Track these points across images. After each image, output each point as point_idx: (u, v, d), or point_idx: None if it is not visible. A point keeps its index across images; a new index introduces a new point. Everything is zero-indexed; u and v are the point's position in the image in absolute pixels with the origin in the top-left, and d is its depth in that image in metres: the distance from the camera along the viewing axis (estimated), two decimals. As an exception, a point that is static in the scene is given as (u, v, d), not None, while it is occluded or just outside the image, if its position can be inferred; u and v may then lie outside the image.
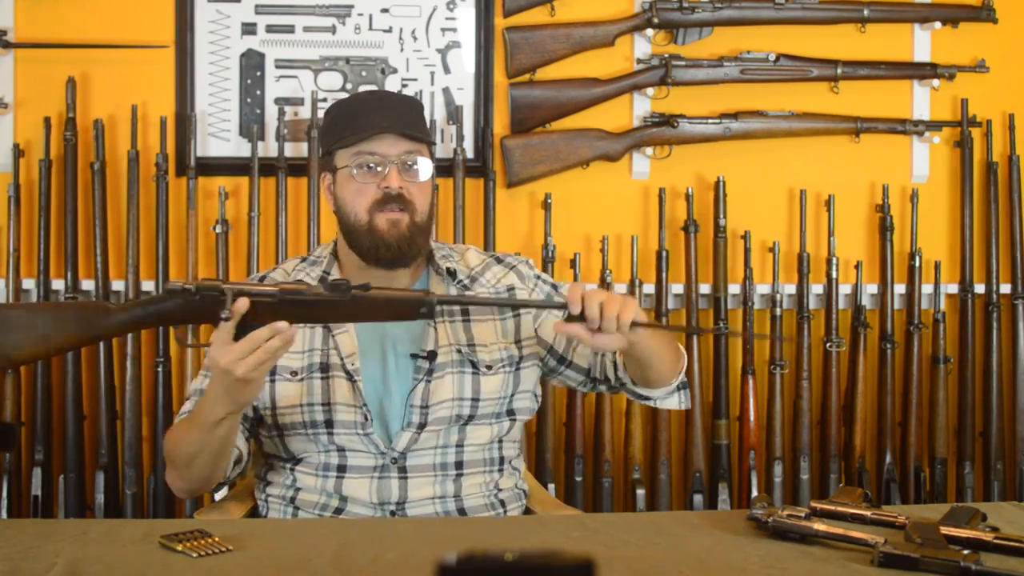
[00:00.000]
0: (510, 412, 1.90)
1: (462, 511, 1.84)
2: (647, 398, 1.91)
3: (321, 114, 2.75)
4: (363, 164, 1.85)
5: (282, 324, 1.59)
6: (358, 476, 1.82)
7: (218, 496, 2.09)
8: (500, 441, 1.90)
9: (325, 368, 1.84)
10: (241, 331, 1.60)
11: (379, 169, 1.85)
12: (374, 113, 1.87)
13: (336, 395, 1.82)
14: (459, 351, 1.86)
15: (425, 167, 1.88)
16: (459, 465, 1.85)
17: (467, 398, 1.85)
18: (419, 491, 1.82)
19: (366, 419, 1.81)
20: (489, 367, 1.87)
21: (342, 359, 1.84)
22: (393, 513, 1.81)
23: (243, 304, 1.59)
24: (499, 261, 2.02)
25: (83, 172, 2.76)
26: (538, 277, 2.01)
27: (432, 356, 1.84)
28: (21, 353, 1.66)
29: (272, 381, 1.86)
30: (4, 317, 1.63)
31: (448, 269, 1.94)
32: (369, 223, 1.84)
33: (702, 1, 2.86)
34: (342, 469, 1.83)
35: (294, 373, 1.85)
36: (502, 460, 1.91)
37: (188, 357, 2.72)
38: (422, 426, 1.83)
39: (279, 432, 1.86)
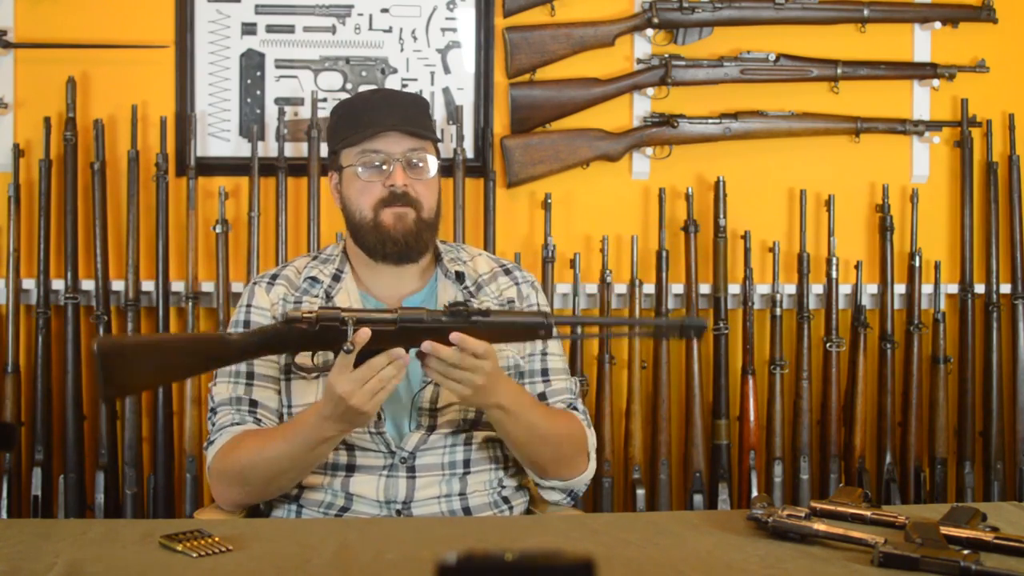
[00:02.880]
0: None
1: (467, 510, 1.85)
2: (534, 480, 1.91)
3: (321, 114, 2.76)
4: (368, 162, 1.85)
5: (399, 351, 1.61)
6: (366, 475, 1.82)
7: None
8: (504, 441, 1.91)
9: None
10: (360, 356, 1.61)
11: (384, 167, 1.85)
12: (378, 111, 1.88)
13: None
14: None
15: (431, 164, 1.88)
16: (466, 463, 1.86)
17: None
18: (426, 490, 1.83)
19: (379, 417, 1.82)
20: None
21: None
22: (399, 512, 1.81)
23: (364, 336, 1.60)
24: (507, 272, 2.01)
25: (83, 172, 2.76)
26: (538, 308, 2.00)
27: None
28: (137, 384, 1.66)
29: (288, 380, 1.86)
30: (121, 350, 1.62)
31: (456, 272, 1.94)
32: (374, 219, 1.85)
33: (702, 1, 2.86)
34: (351, 468, 1.83)
35: (309, 371, 1.85)
36: (507, 458, 1.91)
37: (188, 357, 2.72)
38: (432, 428, 1.83)
39: None
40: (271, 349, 1.70)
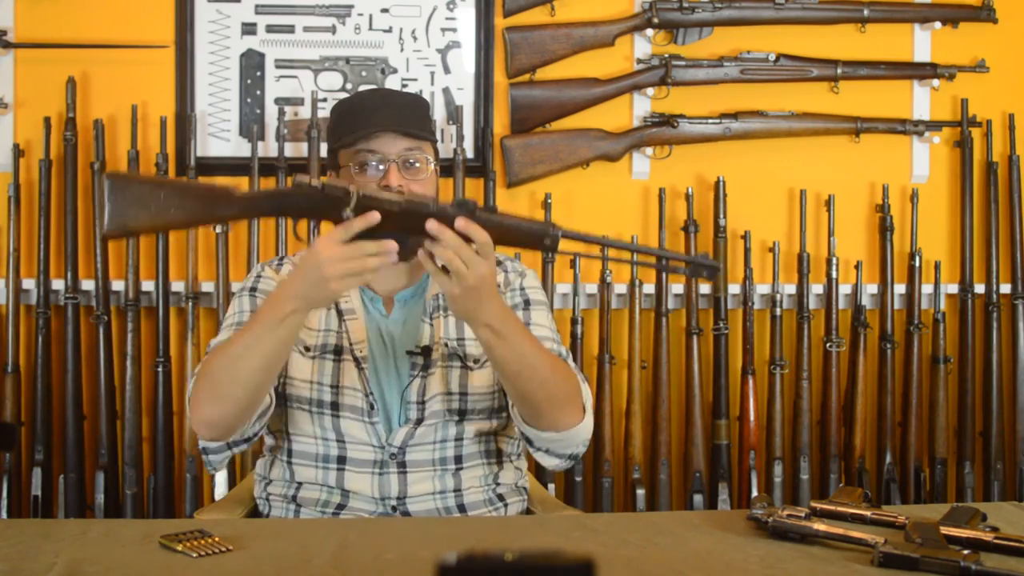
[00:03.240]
0: (501, 408, 1.89)
1: (462, 507, 1.85)
2: (528, 439, 1.84)
3: (321, 114, 2.76)
4: (363, 162, 1.85)
5: (391, 245, 1.57)
6: (358, 470, 1.82)
7: (218, 495, 2.09)
8: (496, 435, 1.91)
9: (338, 351, 1.85)
10: (367, 236, 1.58)
11: (380, 167, 1.85)
12: (374, 111, 1.88)
13: (345, 379, 1.83)
14: (447, 344, 1.86)
15: (427, 164, 1.88)
16: (458, 459, 1.86)
17: (455, 392, 1.85)
18: (419, 486, 1.83)
19: (372, 407, 1.82)
20: (476, 361, 1.87)
21: (351, 344, 1.84)
22: (394, 508, 1.81)
23: (373, 218, 1.57)
24: (498, 263, 2.00)
25: (83, 172, 2.76)
26: (521, 289, 1.96)
27: (427, 352, 1.85)
28: (138, 224, 1.62)
29: None
30: (125, 187, 1.58)
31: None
32: None
33: (702, 1, 2.86)
34: (342, 461, 1.83)
35: (307, 348, 1.84)
36: (500, 453, 1.91)
37: (188, 357, 2.73)
38: (419, 421, 1.83)
39: (284, 402, 1.85)
40: (275, 209, 1.67)
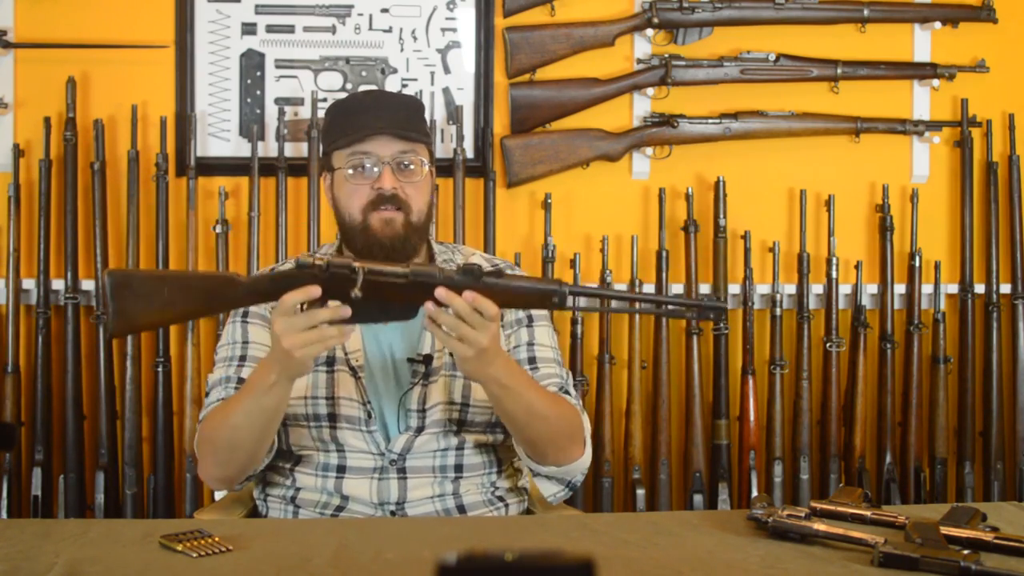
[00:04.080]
0: (499, 423, 1.86)
1: (461, 508, 1.84)
2: (530, 469, 1.88)
3: (321, 114, 2.76)
4: (357, 165, 1.85)
5: (345, 311, 1.58)
6: (358, 477, 1.82)
7: (218, 496, 2.09)
8: (497, 446, 1.90)
9: (331, 362, 1.85)
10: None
11: (374, 170, 1.85)
12: (368, 114, 1.87)
13: (340, 389, 1.83)
14: (450, 354, 1.85)
15: (421, 166, 1.87)
16: (458, 468, 1.85)
17: (457, 402, 1.85)
18: (418, 491, 1.82)
19: (369, 416, 1.82)
20: None
21: (346, 354, 1.84)
22: (393, 513, 1.81)
23: (314, 292, 1.57)
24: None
25: (83, 172, 2.76)
26: None
27: (428, 360, 1.84)
28: (145, 320, 1.63)
29: None
30: (129, 283, 1.59)
31: None
32: (363, 223, 1.84)
33: (702, 1, 2.86)
34: (341, 469, 1.83)
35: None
36: (500, 462, 1.91)
37: (188, 357, 2.73)
38: (420, 429, 1.83)
39: (283, 421, 1.85)
40: (280, 292, 1.64)
